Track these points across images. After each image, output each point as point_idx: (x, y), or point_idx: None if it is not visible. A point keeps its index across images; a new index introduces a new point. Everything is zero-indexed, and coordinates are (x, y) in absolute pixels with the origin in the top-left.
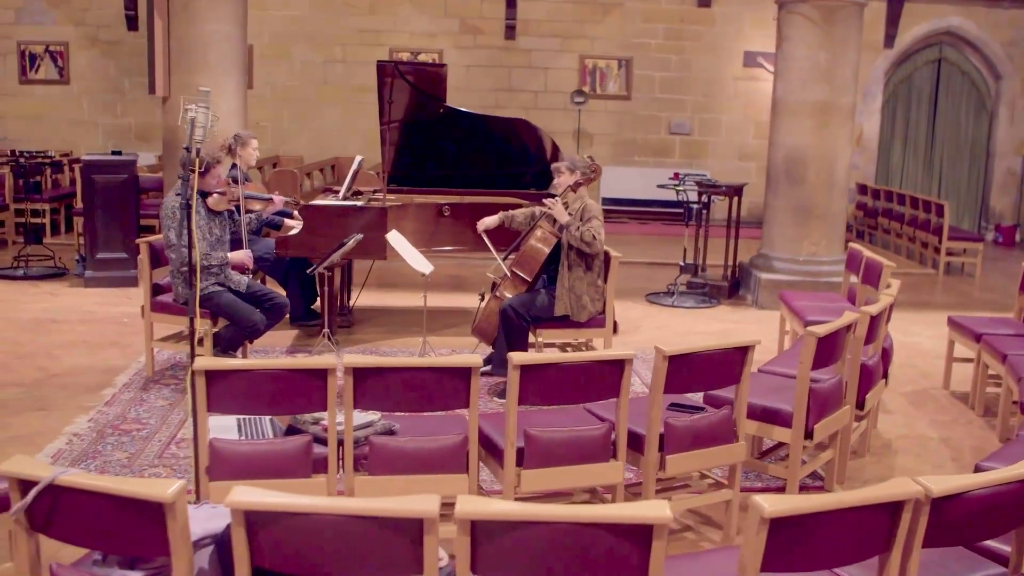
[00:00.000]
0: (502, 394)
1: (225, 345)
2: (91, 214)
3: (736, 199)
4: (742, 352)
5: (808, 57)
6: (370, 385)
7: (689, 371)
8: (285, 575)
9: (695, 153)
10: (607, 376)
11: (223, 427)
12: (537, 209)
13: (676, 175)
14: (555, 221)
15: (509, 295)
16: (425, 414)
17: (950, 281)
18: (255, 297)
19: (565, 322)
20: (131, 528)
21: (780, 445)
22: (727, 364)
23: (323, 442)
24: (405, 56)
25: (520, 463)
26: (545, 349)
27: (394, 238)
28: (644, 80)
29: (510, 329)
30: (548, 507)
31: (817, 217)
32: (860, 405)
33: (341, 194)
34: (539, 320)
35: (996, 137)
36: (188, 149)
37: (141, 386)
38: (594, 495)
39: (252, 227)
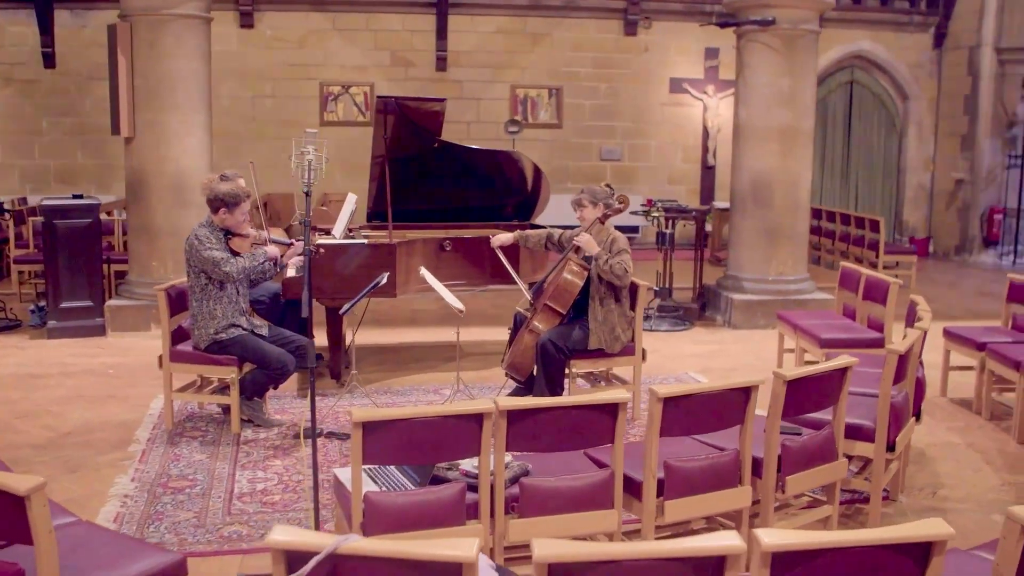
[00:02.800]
0: None
1: (251, 391)
2: (53, 261)
3: (701, 223)
4: (842, 373)
5: (771, 84)
6: (522, 427)
7: (802, 394)
8: None
9: (626, 179)
10: (736, 403)
11: (348, 479)
12: (555, 232)
13: (649, 201)
14: (578, 251)
15: (542, 328)
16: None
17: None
18: (277, 341)
19: (599, 353)
20: None
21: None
22: (830, 386)
23: (470, 488)
24: (336, 90)
25: (660, 494)
26: (578, 380)
27: (427, 275)
28: (574, 108)
29: (549, 363)
30: (837, 534)
31: (784, 238)
32: (917, 416)
33: (338, 232)
34: (575, 352)
35: (906, 154)
36: (307, 193)
37: (167, 440)
38: (711, 521)
39: (269, 273)
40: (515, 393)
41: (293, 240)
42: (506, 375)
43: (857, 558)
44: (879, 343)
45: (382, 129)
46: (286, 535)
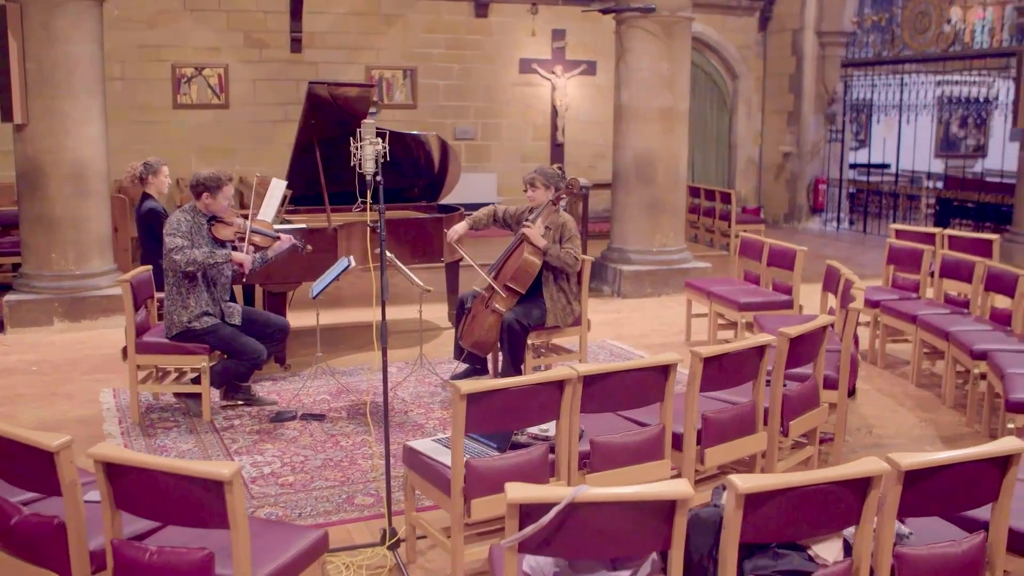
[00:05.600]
0: None
1: (220, 381)
2: None
3: (586, 199)
4: (823, 330)
5: (652, 67)
6: (594, 390)
7: (797, 350)
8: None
9: (480, 157)
10: (753, 360)
11: (434, 449)
12: (499, 208)
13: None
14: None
15: (502, 308)
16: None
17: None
18: (254, 323)
19: (554, 327)
20: (642, 529)
21: None
22: (815, 342)
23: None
24: (188, 72)
25: (699, 443)
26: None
27: (393, 259)
28: (429, 89)
29: (514, 339)
30: (954, 452)
31: (666, 212)
32: None
33: (267, 218)
34: (533, 327)
35: (736, 130)
36: (379, 183)
37: (143, 433)
38: (723, 467)
39: (256, 266)
40: (468, 372)
41: (280, 234)
42: (461, 353)
43: (964, 470)
44: (789, 304)
45: (308, 116)
46: (523, 492)
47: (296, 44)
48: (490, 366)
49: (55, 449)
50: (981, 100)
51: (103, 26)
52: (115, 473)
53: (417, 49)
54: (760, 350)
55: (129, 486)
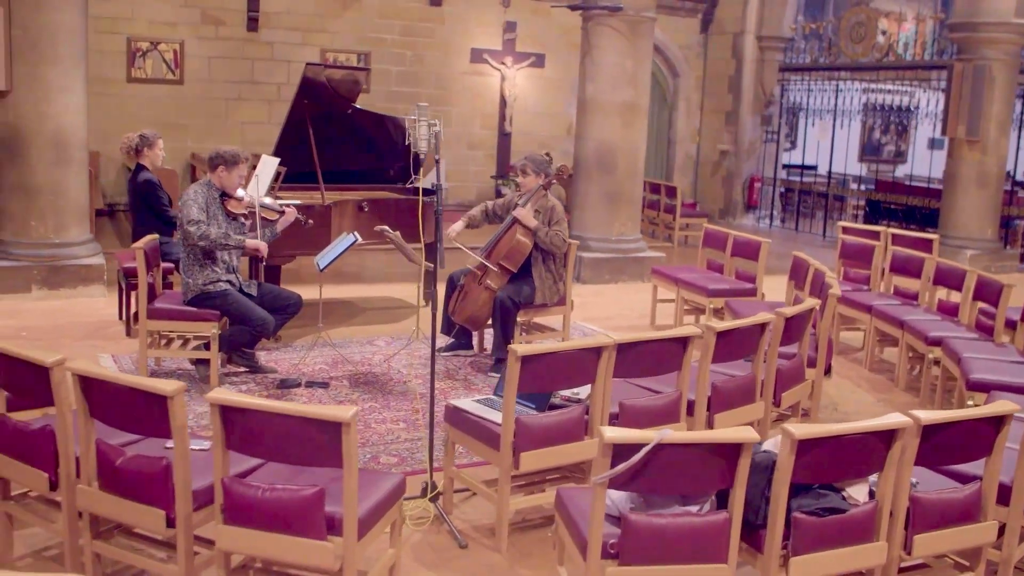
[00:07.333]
0: (495, 369)
1: (228, 347)
2: None
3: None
4: (810, 313)
5: (617, 64)
6: (625, 357)
7: (790, 329)
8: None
9: None
10: (754, 336)
11: (477, 408)
12: (489, 203)
13: (511, 168)
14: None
15: (495, 286)
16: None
17: (686, 251)
18: (268, 298)
19: (542, 305)
20: (711, 468)
21: None
22: (803, 323)
23: None
24: (144, 46)
25: (708, 409)
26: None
27: (393, 235)
28: (382, 74)
29: (506, 315)
30: (961, 412)
31: (625, 202)
32: None
33: (261, 194)
34: (522, 305)
35: (676, 127)
36: (437, 160)
37: None
38: None
39: (266, 238)
40: (453, 347)
41: (284, 208)
42: (451, 328)
43: (968, 427)
44: (753, 292)
45: (300, 96)
46: (616, 433)
47: (253, 23)
48: (475, 342)
49: (171, 394)
50: (912, 108)
51: None
52: (229, 416)
53: (371, 34)
54: (762, 327)
55: (243, 428)
